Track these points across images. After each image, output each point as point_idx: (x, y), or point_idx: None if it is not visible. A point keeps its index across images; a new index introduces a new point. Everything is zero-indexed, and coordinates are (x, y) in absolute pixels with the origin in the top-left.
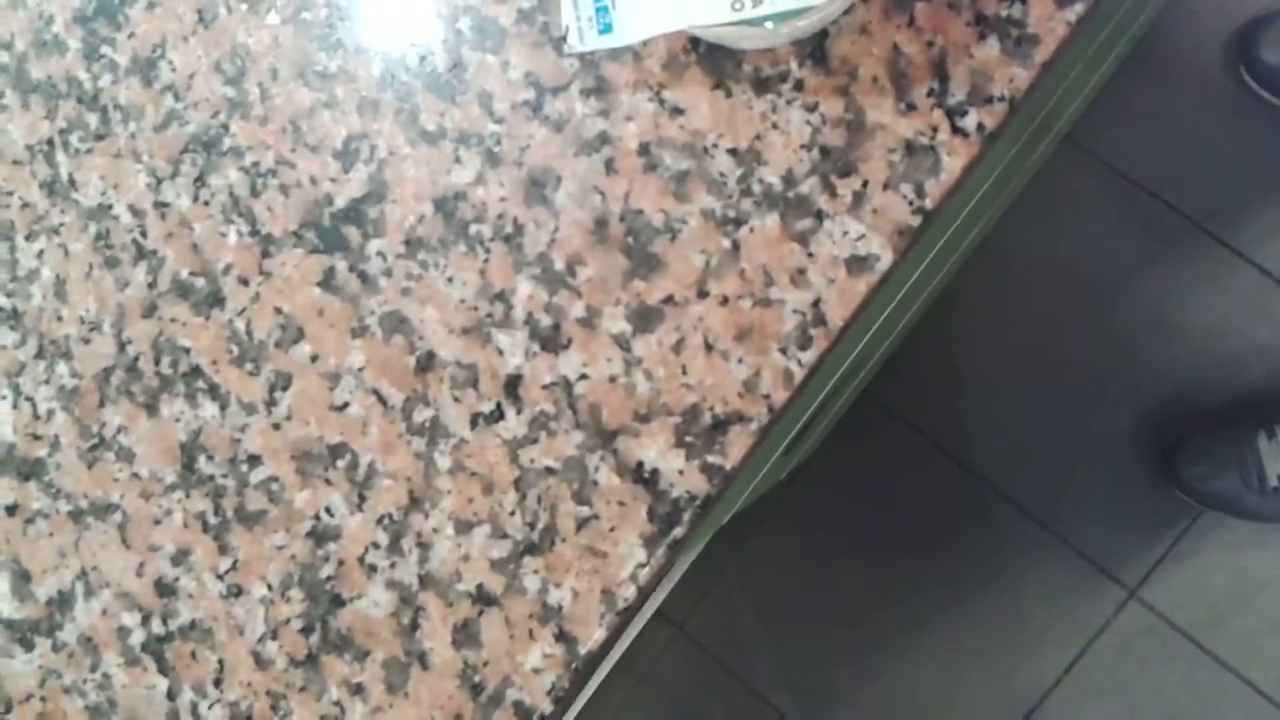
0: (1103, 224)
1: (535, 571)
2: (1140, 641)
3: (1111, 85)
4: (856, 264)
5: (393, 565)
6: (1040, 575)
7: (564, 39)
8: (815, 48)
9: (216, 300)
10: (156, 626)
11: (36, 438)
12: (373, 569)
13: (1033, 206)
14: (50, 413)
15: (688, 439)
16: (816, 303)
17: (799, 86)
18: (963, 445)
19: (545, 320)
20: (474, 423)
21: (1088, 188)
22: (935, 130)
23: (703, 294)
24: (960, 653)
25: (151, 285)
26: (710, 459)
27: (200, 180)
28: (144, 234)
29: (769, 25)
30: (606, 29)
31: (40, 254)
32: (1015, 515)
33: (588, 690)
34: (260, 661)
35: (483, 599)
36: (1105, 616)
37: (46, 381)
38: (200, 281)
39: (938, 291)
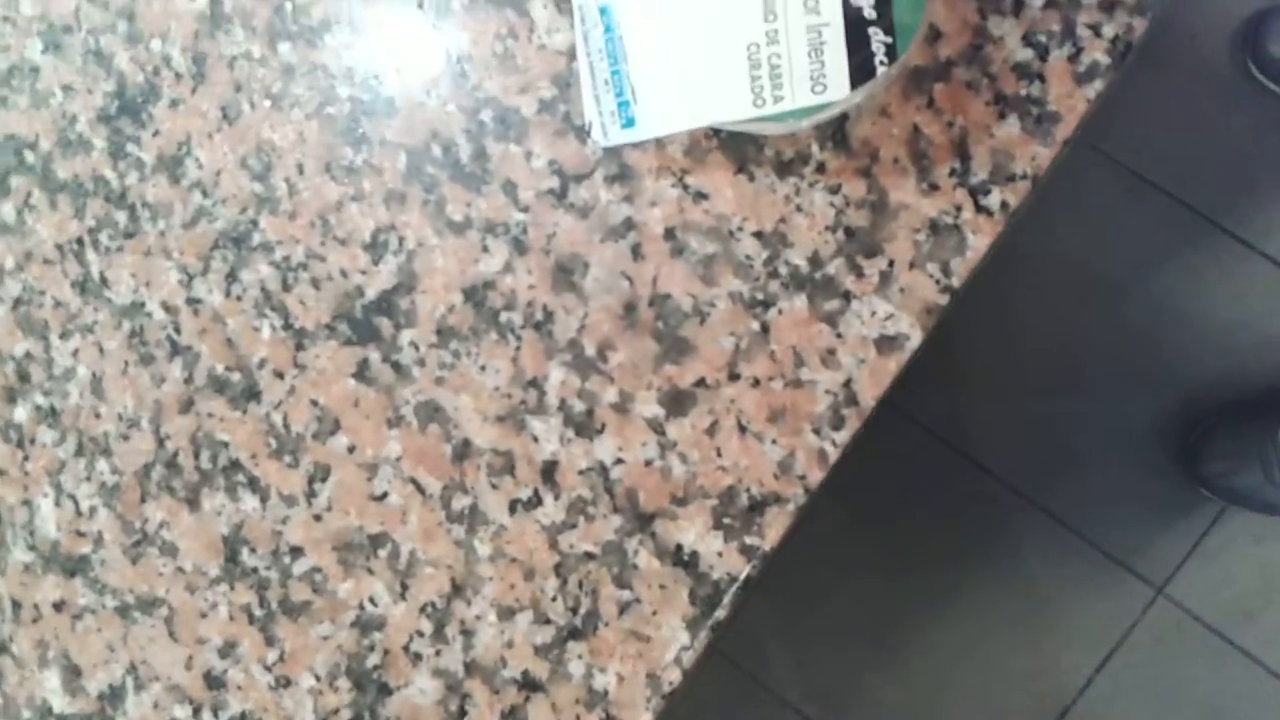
0: (1114, 220)
1: (579, 657)
2: (1169, 639)
3: (1121, 82)
4: (886, 343)
5: (438, 653)
6: (1066, 576)
7: (588, 133)
8: (836, 130)
9: (253, 394)
10: (207, 718)
11: (80, 534)
12: (418, 657)
13: (1044, 205)
14: (93, 509)
15: (725, 521)
16: (848, 383)
17: (821, 169)
18: (982, 448)
19: (579, 406)
20: (512, 509)
21: (1097, 185)
22: (959, 209)
23: (734, 376)
24: (990, 656)
25: (188, 381)
26: (748, 540)
27: (231, 276)
28: (178, 330)
29: (790, 121)
30: (629, 123)
31: (75, 352)
32: (1039, 517)
33: None
34: None
35: (529, 685)
36: (1134, 615)
37: (88, 479)
38: (236, 376)
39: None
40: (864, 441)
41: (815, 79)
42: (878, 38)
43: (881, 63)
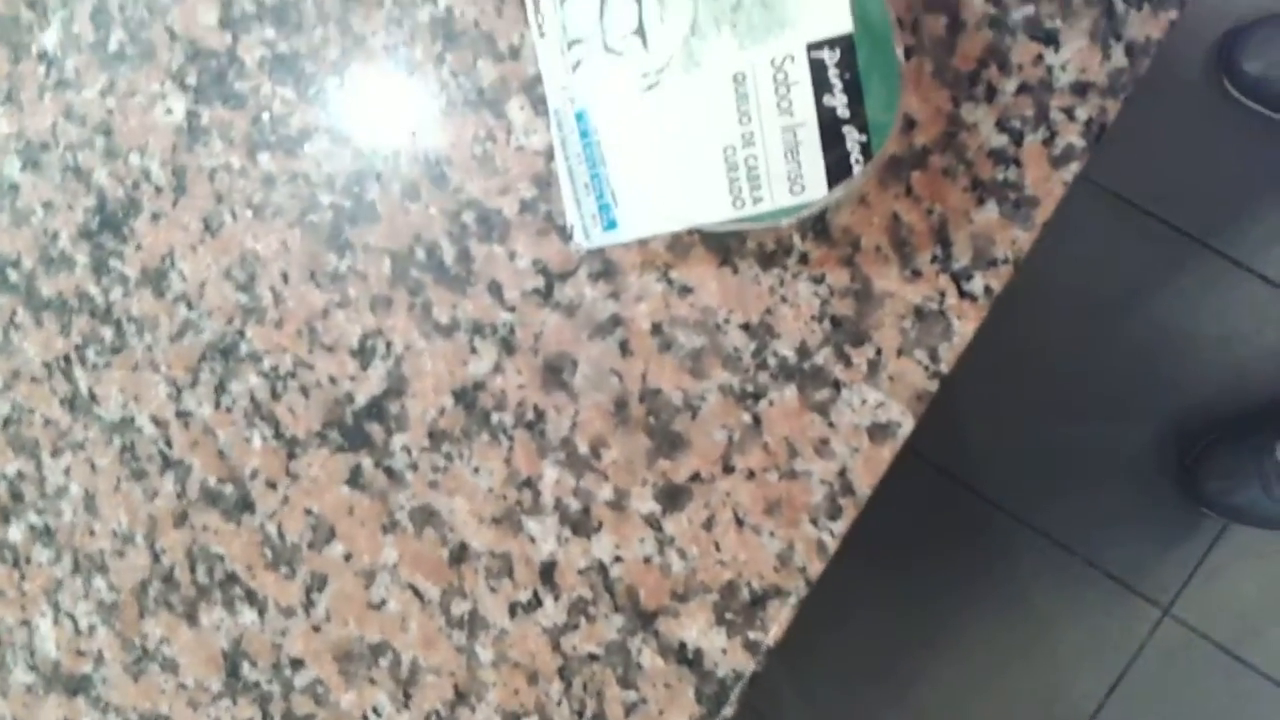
0: (1101, 245)
1: None
2: (1178, 658)
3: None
4: (878, 431)
5: None
6: (1072, 601)
7: (570, 236)
8: (817, 220)
9: (246, 505)
10: None
11: (81, 653)
12: None
13: None
14: (92, 628)
15: (727, 616)
16: (842, 472)
17: (804, 259)
18: (981, 476)
19: (574, 505)
20: (513, 612)
21: (1082, 210)
22: (943, 295)
23: (728, 469)
24: (1000, 686)
25: (180, 495)
26: (752, 635)
27: (220, 387)
28: (169, 444)
29: (766, 222)
30: (611, 225)
31: (67, 470)
32: (1041, 542)
33: None
34: None
35: None
36: (1141, 637)
37: (85, 596)
38: (228, 488)
39: None
40: None
41: (793, 179)
42: (852, 136)
43: (857, 161)
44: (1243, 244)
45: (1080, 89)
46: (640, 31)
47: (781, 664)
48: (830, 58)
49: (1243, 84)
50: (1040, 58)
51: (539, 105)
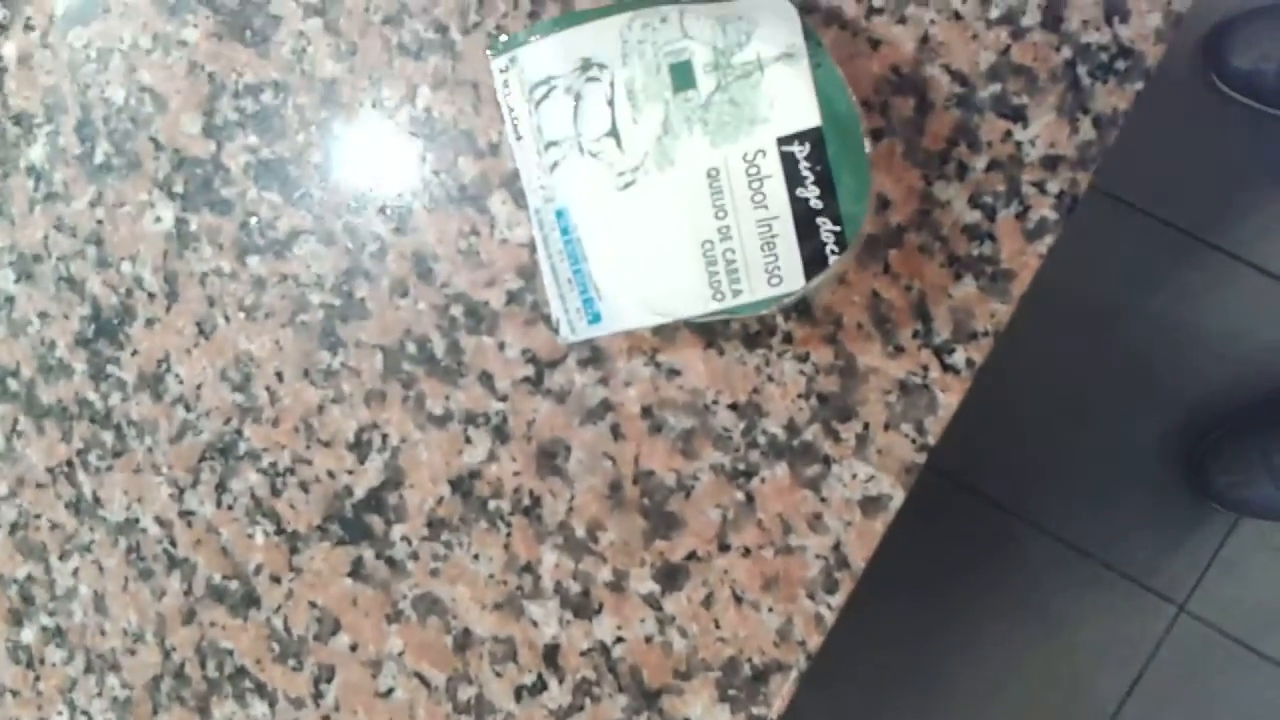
0: (1098, 245)
1: None
2: (1196, 655)
3: None
4: (869, 504)
5: None
6: (1087, 602)
7: (556, 330)
8: (799, 300)
9: (252, 601)
10: None
11: None
12: None
13: None
14: None
15: (730, 692)
16: (837, 546)
17: (788, 339)
18: (992, 482)
19: (574, 587)
20: (518, 696)
21: (1079, 213)
22: (926, 369)
23: (724, 547)
24: (1020, 689)
25: (187, 592)
26: (755, 710)
27: (221, 486)
28: (173, 543)
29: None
30: (595, 319)
31: (75, 572)
32: (1053, 545)
33: None
34: None
35: None
36: (1158, 634)
37: (99, 694)
38: (234, 584)
39: None
40: None
41: (770, 271)
42: (826, 227)
43: (833, 251)
44: (1240, 238)
45: (1050, 163)
46: (614, 133)
47: (809, 683)
48: (800, 151)
49: (1232, 79)
50: (1009, 134)
51: (520, 199)
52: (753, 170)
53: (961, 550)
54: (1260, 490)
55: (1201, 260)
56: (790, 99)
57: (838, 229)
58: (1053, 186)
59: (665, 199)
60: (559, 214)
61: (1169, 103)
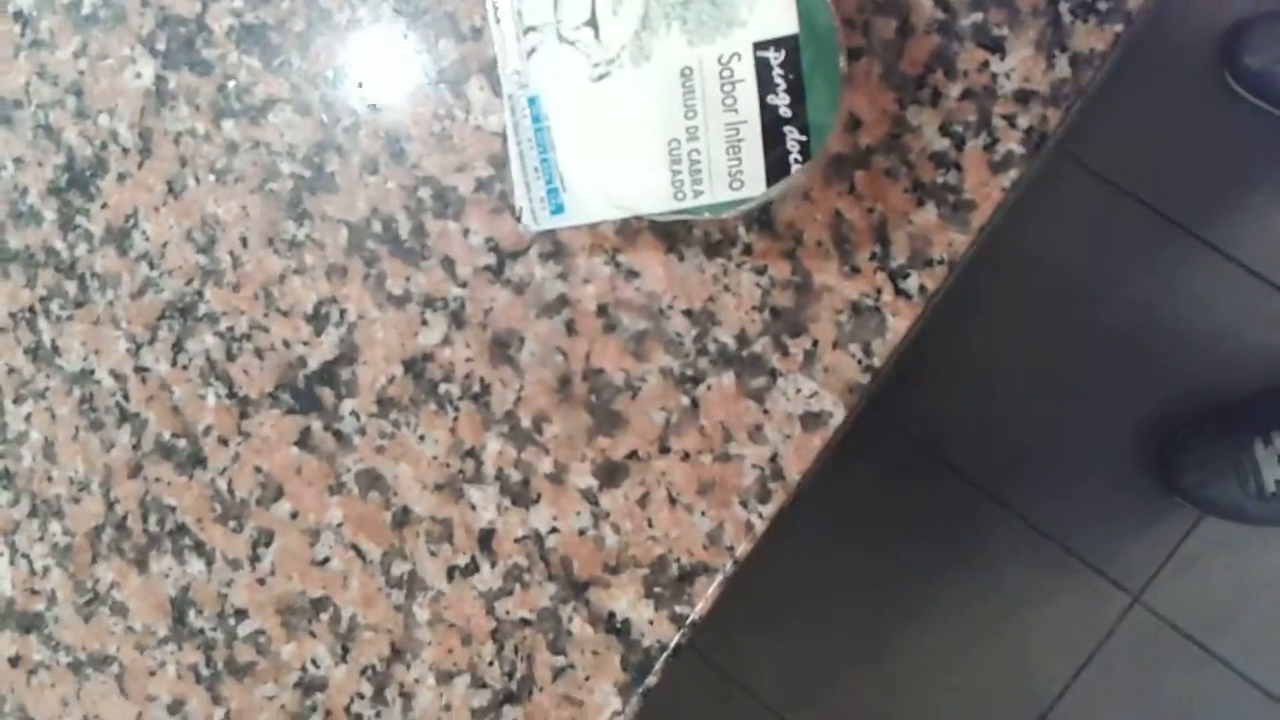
0: (1092, 230)
1: None
2: (1146, 646)
3: (1099, 93)
4: (810, 420)
5: (378, 715)
6: (1044, 583)
7: (518, 218)
8: (762, 213)
9: (198, 460)
10: None
11: (35, 593)
12: (359, 718)
13: (1022, 214)
14: (46, 569)
15: (656, 589)
16: (774, 458)
17: (748, 251)
18: (962, 456)
19: (515, 476)
20: (450, 576)
21: (1075, 194)
22: (879, 292)
23: (665, 450)
24: (968, 662)
25: (136, 447)
26: (678, 609)
27: (178, 345)
28: (126, 398)
29: (708, 215)
30: (558, 209)
31: (28, 417)
32: (1016, 524)
33: None
34: None
35: None
36: (1110, 622)
37: (41, 539)
38: (182, 443)
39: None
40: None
41: (733, 175)
42: (792, 136)
43: (796, 160)
44: (1236, 239)
45: (1023, 97)
46: (593, 23)
47: (759, 635)
48: (775, 58)
49: (1244, 78)
50: (986, 64)
51: (497, 87)
52: (726, 73)
53: (926, 520)
54: (1226, 490)
55: (1195, 257)
56: (770, 5)
57: (804, 139)
58: (1023, 121)
59: (637, 94)
60: (531, 101)
61: (1180, 97)
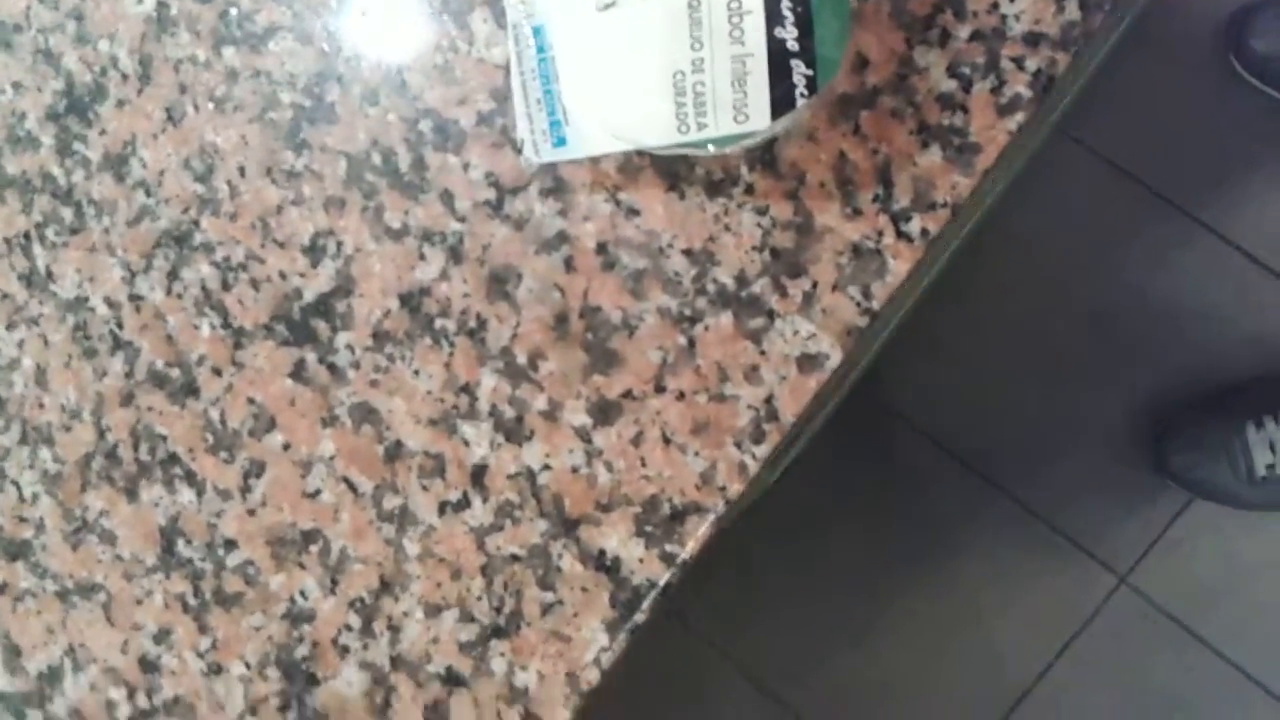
0: (1092, 211)
1: (502, 654)
2: (1130, 627)
3: (1102, 73)
4: (807, 362)
5: (365, 647)
6: (1031, 562)
7: (520, 150)
8: (765, 152)
9: (191, 390)
10: (142, 701)
11: (23, 520)
12: (346, 650)
13: (1026, 196)
14: (35, 496)
15: (647, 528)
16: (769, 399)
17: (749, 190)
18: (953, 433)
19: (509, 412)
20: (442, 510)
21: (1076, 174)
22: (880, 234)
23: (660, 389)
24: (955, 638)
25: (129, 375)
26: (669, 548)
27: (173, 274)
28: (120, 325)
29: (711, 148)
30: (560, 142)
31: (21, 343)
32: (1006, 502)
33: None
34: None
35: (452, 680)
36: (1096, 602)
37: (31, 466)
38: (175, 372)
39: (931, 283)
40: (837, 425)
41: (738, 108)
42: (799, 70)
43: (802, 95)
44: (1235, 223)
45: (1032, 40)
46: None
47: (748, 609)
48: None
49: (1250, 62)
50: (995, 5)
51: (501, 19)
52: (734, 4)
53: (915, 498)
54: (1216, 474)
55: (1193, 240)
56: None
57: (810, 73)
58: (1031, 64)
59: (644, 25)
60: (536, 31)
61: (1184, 79)
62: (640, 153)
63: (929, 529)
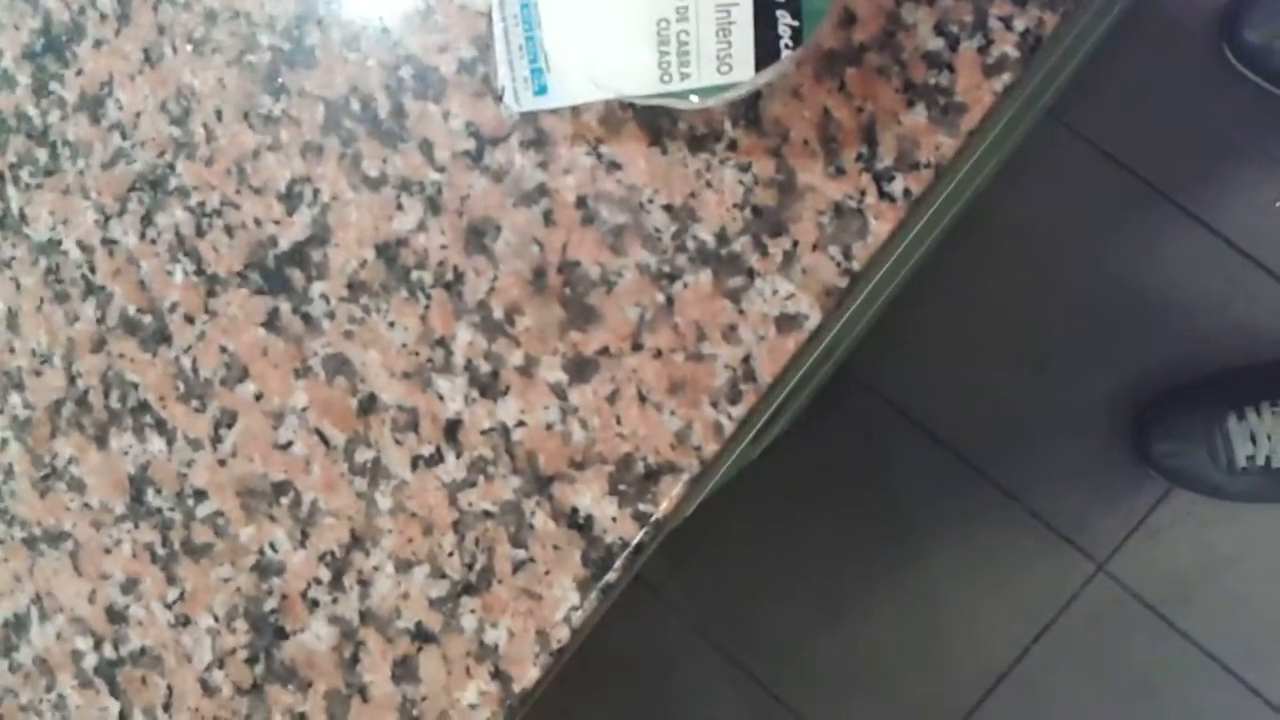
0: (1080, 197)
1: (472, 611)
2: (1107, 614)
3: (1095, 61)
4: (786, 322)
5: (334, 601)
6: (1010, 547)
7: (500, 98)
8: (749, 108)
9: (163, 338)
10: (108, 651)
11: None
12: (315, 604)
13: (1013, 181)
14: (4, 442)
15: (621, 487)
16: (747, 359)
17: (733, 146)
18: (934, 417)
19: (484, 367)
20: (414, 465)
21: (1065, 160)
22: (863, 194)
23: (637, 347)
24: (931, 620)
25: (100, 321)
26: (642, 507)
27: (147, 218)
28: (93, 270)
29: (694, 99)
30: (541, 90)
31: None
32: (986, 486)
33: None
34: (207, 689)
35: (421, 636)
36: (1073, 589)
37: (0, 412)
38: (147, 319)
39: (919, 265)
40: (820, 404)
41: (722, 59)
42: (784, 20)
43: (787, 46)
44: (1223, 213)
45: None
46: None
47: (727, 589)
48: None
49: (1242, 53)
50: None
51: None
52: None
53: (896, 480)
54: (1196, 462)
55: (1180, 229)
56: None
57: (796, 24)
58: (1019, 24)
59: None
60: None
61: (1177, 68)
62: (623, 106)
63: (908, 511)
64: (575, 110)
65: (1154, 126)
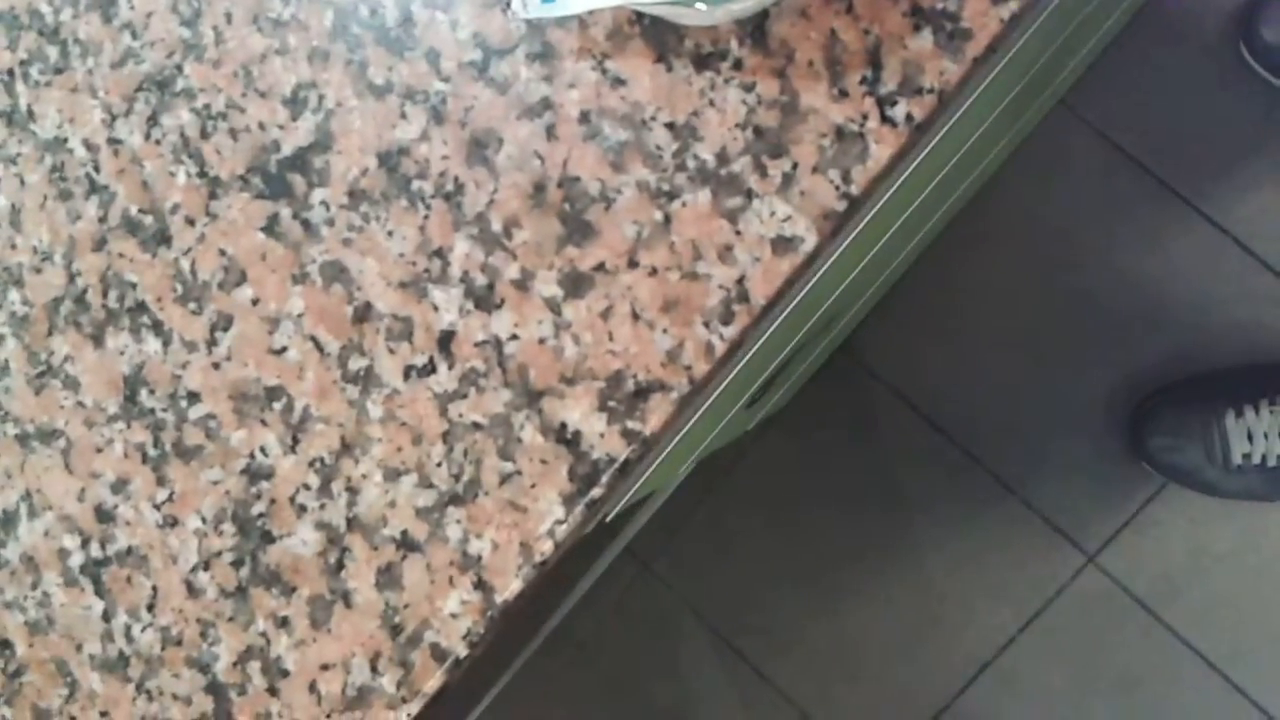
0: (1090, 193)
1: (458, 522)
2: (1096, 607)
3: (1109, 52)
4: (782, 244)
5: (322, 507)
6: (1002, 536)
7: (508, 5)
8: (756, 28)
9: (164, 239)
10: (95, 550)
11: None
12: (303, 509)
13: (1021, 170)
14: (1, 338)
15: (610, 404)
16: (741, 280)
17: (738, 65)
18: (933, 403)
19: (480, 279)
20: (407, 375)
21: (1075, 152)
22: (865, 118)
23: (633, 264)
24: (920, 605)
25: (102, 220)
26: (631, 424)
27: (153, 119)
28: (97, 169)
29: (701, 6)
30: None
31: None
32: (981, 474)
33: (551, 623)
34: (192, 590)
35: (406, 544)
36: (1063, 580)
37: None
38: (149, 219)
39: (922, 247)
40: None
41: None
42: None
43: None
44: (1230, 212)
45: None
46: None
47: (716, 563)
48: None
49: (1258, 51)
50: None
51: None
52: None
53: (891, 464)
54: (1192, 459)
55: (1187, 225)
56: None
57: None
58: None
59: None
60: None
61: (1192, 65)
62: (631, 20)
63: (902, 495)
64: (582, 23)
65: (1166, 121)
